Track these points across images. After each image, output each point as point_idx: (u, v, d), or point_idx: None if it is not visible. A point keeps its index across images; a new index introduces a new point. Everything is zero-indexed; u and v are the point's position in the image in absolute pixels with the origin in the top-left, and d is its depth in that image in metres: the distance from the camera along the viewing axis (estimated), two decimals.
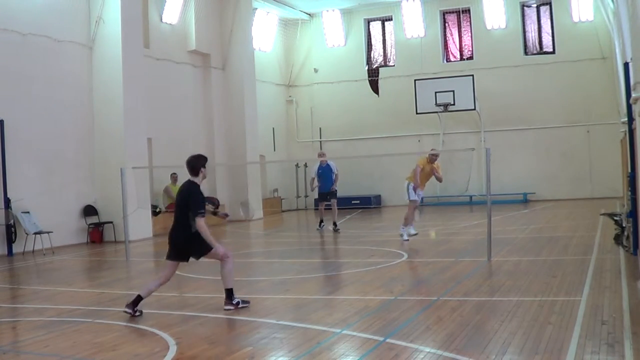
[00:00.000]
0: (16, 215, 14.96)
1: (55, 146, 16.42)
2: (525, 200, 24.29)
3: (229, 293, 7.92)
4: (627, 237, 10.78)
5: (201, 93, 22.34)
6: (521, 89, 24.76)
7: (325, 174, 17.24)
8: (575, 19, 24.35)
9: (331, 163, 17.42)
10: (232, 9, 22.90)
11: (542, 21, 25.31)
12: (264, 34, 26.21)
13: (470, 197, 24.73)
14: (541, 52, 25.26)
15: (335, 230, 16.87)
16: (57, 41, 16.52)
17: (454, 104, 23.78)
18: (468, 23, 25.99)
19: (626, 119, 10.94)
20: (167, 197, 19.60)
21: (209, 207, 8.62)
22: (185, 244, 7.90)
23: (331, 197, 17.20)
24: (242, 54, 23.05)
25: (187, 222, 7.90)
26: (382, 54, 27.44)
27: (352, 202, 25.59)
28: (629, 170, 11.21)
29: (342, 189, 26.44)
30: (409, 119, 25.37)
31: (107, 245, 16.58)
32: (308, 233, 18.21)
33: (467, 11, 25.87)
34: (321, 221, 17.52)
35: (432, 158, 14.18)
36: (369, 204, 25.72)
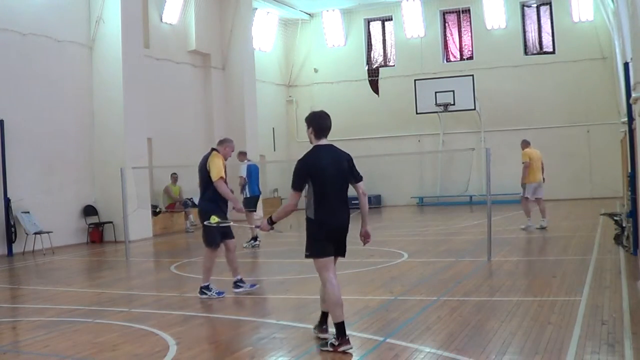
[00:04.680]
0: (16, 215, 14.96)
1: (55, 146, 16.41)
2: None
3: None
4: (627, 237, 10.78)
5: (201, 93, 22.34)
6: (521, 89, 24.76)
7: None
8: (575, 19, 24.36)
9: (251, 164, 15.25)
10: (232, 9, 22.89)
11: (542, 21, 25.32)
12: (264, 34, 26.21)
13: (470, 197, 24.71)
14: (541, 52, 25.27)
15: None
16: (57, 41, 16.52)
17: (454, 104, 23.78)
18: (468, 23, 25.99)
19: (626, 119, 10.94)
20: (167, 197, 19.59)
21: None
22: None
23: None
24: (242, 54, 23.04)
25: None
26: (382, 54, 27.44)
27: (352, 202, 25.50)
28: (629, 170, 11.21)
29: None
30: (409, 119, 25.37)
31: (107, 245, 16.58)
32: None
33: (467, 11, 25.87)
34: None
35: None
36: (368, 203, 25.60)
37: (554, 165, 24.59)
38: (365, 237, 6.29)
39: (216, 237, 8.68)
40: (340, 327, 5.75)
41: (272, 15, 26.58)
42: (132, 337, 6.70)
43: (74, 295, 9.75)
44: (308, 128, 6.21)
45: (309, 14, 27.69)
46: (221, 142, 9.18)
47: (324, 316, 6.20)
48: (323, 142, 6.15)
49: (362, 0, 26.18)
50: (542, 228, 14.91)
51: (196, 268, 12.08)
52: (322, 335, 6.13)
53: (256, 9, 25.07)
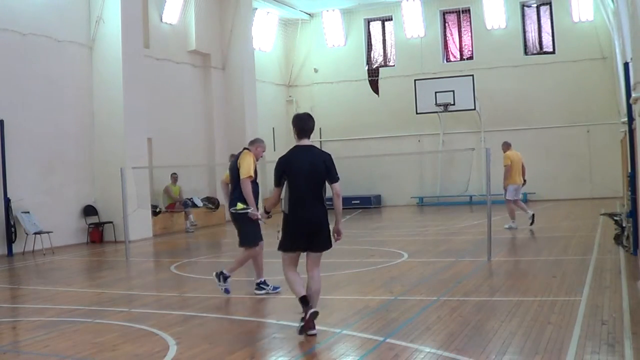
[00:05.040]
0: (16, 215, 14.96)
1: (55, 146, 16.41)
2: (525, 200, 24.14)
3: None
4: (627, 237, 10.78)
5: (201, 93, 22.34)
6: (521, 89, 24.76)
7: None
8: (575, 19, 24.35)
9: None
10: (232, 9, 22.89)
11: (542, 21, 25.31)
12: (264, 34, 26.21)
13: (470, 197, 24.72)
14: (541, 52, 25.26)
15: None
16: (57, 41, 16.52)
17: (454, 104, 23.78)
18: (468, 23, 25.98)
19: (626, 119, 10.94)
20: (167, 197, 19.59)
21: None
22: None
23: None
24: (242, 54, 23.04)
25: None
26: (382, 54, 27.44)
27: (352, 202, 25.58)
28: (629, 170, 11.21)
29: (343, 188, 26.46)
30: (409, 119, 25.37)
31: (107, 245, 16.58)
32: None
33: (467, 11, 25.86)
34: None
35: None
36: (369, 204, 25.72)
37: (554, 165, 24.67)
38: (337, 234, 6.66)
39: (257, 235, 8.72)
40: (303, 299, 6.41)
41: (272, 15, 26.58)
42: (132, 337, 6.70)
43: (74, 295, 9.75)
44: (293, 129, 6.67)
45: (309, 14, 27.68)
46: (253, 142, 9.08)
47: (304, 302, 6.48)
48: (304, 142, 6.62)
49: (362, 0, 26.17)
50: (511, 229, 15.20)
51: (196, 268, 12.10)
52: (311, 332, 6.34)
53: (256, 9, 25.07)
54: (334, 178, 6.59)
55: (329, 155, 6.73)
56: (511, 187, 15.40)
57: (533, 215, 15.13)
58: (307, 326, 6.30)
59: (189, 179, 20.58)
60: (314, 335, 6.29)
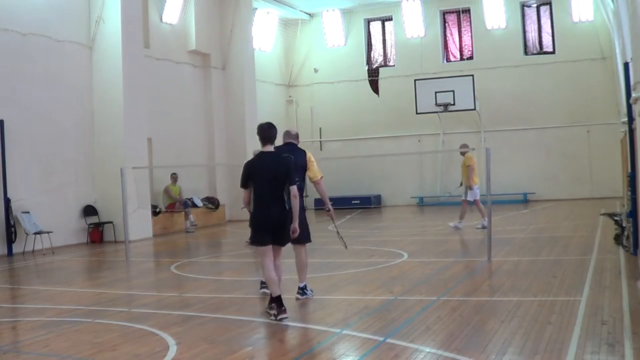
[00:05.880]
0: (16, 215, 14.95)
1: (55, 146, 16.41)
2: (525, 200, 24.29)
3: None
4: (627, 237, 10.77)
5: (201, 93, 22.34)
6: (521, 89, 24.76)
7: None
8: (575, 19, 24.34)
9: None
10: (232, 9, 22.90)
11: (542, 21, 25.30)
12: (264, 34, 26.21)
13: None
14: (541, 52, 25.25)
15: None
16: (57, 41, 16.52)
17: (454, 104, 23.77)
18: (468, 23, 25.98)
19: (626, 119, 10.94)
20: (167, 197, 19.59)
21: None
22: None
23: None
24: (242, 54, 23.04)
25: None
26: (382, 54, 27.44)
27: (352, 202, 25.60)
28: (629, 170, 11.21)
29: (343, 188, 26.55)
30: (409, 119, 25.36)
31: (107, 245, 16.58)
32: None
33: (467, 11, 25.86)
34: None
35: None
36: (369, 204, 25.73)
37: (554, 165, 24.68)
38: (293, 232, 7.40)
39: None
40: (278, 299, 7.08)
41: (272, 15, 26.58)
42: (132, 337, 6.70)
43: (74, 295, 9.75)
44: (258, 137, 7.52)
45: (309, 14, 27.68)
46: (297, 136, 8.73)
47: (278, 298, 7.16)
48: (268, 148, 7.45)
49: (362, 0, 26.17)
50: (457, 228, 15.63)
51: (196, 268, 12.10)
52: (282, 316, 7.04)
53: (256, 9, 25.06)
54: (292, 181, 7.31)
55: (289, 161, 7.54)
56: (476, 187, 15.67)
57: (459, 229, 15.65)
58: (279, 313, 7.03)
59: (189, 179, 20.59)
60: (286, 317, 7.02)
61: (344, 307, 7.84)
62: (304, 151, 8.54)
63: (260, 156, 7.41)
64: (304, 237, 8.09)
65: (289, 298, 7.85)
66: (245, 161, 7.49)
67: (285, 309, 7.05)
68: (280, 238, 7.38)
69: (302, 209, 7.82)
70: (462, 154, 15.96)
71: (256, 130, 7.52)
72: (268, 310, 7.23)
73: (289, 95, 28.22)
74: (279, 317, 6.99)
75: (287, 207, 7.28)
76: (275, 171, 7.24)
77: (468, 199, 15.75)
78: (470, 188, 15.71)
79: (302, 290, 8.21)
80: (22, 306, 9.20)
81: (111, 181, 16.22)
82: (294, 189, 7.28)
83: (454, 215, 19.97)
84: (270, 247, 7.32)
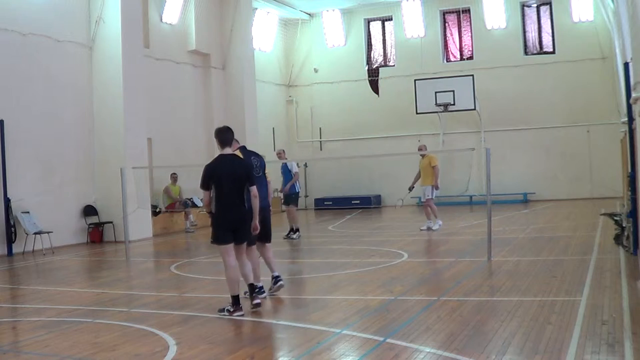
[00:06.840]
0: (16, 215, 14.95)
1: (55, 146, 16.41)
2: (525, 200, 24.29)
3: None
4: (627, 237, 10.77)
5: (201, 93, 22.34)
6: (521, 89, 24.75)
7: (283, 173, 16.20)
8: (575, 19, 24.34)
9: (289, 162, 16.28)
10: (232, 9, 22.89)
11: (542, 21, 25.30)
12: (264, 34, 26.21)
13: (470, 197, 24.73)
14: (541, 52, 25.25)
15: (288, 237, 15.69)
16: (57, 41, 16.52)
17: (454, 104, 23.76)
18: (468, 23, 25.98)
19: (626, 119, 10.93)
20: (167, 197, 19.59)
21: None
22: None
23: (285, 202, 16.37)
24: (242, 54, 23.04)
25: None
26: (382, 54, 27.43)
27: (352, 202, 25.60)
28: (629, 170, 11.21)
29: (343, 188, 26.54)
30: (409, 119, 25.35)
31: (107, 245, 16.58)
32: (308, 233, 18.20)
33: (467, 11, 25.85)
34: (291, 229, 15.97)
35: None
36: (369, 204, 25.72)
37: (554, 165, 24.68)
38: (253, 229, 7.73)
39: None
40: (235, 298, 7.47)
41: (272, 15, 26.58)
42: (132, 337, 6.71)
43: (74, 295, 9.75)
44: (216, 140, 7.82)
45: (309, 14, 27.68)
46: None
47: (251, 287, 7.70)
48: (226, 151, 7.70)
49: (362, 0, 26.16)
50: (429, 229, 15.83)
51: (196, 268, 12.10)
52: (255, 302, 7.61)
53: (256, 9, 25.06)
54: (252, 182, 7.65)
55: (248, 163, 7.93)
56: (435, 187, 15.86)
57: (431, 229, 15.80)
58: (235, 310, 7.43)
59: (189, 179, 20.56)
60: (259, 304, 7.62)
61: (344, 307, 7.84)
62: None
63: (220, 159, 7.61)
64: (264, 236, 8.42)
65: (286, 298, 7.84)
66: (206, 164, 7.72)
67: (241, 307, 7.44)
68: (242, 236, 7.66)
69: (267, 208, 8.46)
70: (422, 155, 16.01)
71: (214, 134, 7.81)
72: (228, 308, 7.48)
73: (289, 95, 28.22)
74: (235, 314, 7.36)
75: (246, 206, 7.57)
76: (236, 173, 7.51)
77: (427, 197, 15.82)
78: (437, 187, 15.82)
79: (260, 290, 8.19)
80: (22, 306, 9.21)
81: (111, 181, 16.23)
82: (254, 189, 7.61)
83: (454, 215, 20.00)
84: (232, 245, 7.58)
